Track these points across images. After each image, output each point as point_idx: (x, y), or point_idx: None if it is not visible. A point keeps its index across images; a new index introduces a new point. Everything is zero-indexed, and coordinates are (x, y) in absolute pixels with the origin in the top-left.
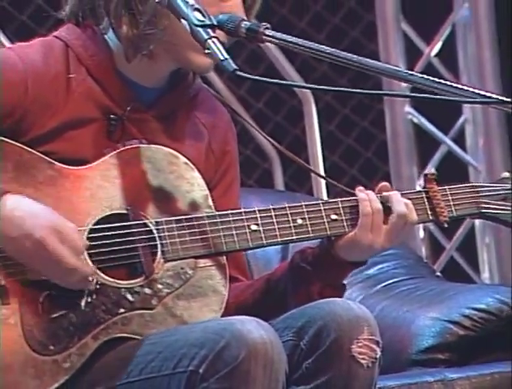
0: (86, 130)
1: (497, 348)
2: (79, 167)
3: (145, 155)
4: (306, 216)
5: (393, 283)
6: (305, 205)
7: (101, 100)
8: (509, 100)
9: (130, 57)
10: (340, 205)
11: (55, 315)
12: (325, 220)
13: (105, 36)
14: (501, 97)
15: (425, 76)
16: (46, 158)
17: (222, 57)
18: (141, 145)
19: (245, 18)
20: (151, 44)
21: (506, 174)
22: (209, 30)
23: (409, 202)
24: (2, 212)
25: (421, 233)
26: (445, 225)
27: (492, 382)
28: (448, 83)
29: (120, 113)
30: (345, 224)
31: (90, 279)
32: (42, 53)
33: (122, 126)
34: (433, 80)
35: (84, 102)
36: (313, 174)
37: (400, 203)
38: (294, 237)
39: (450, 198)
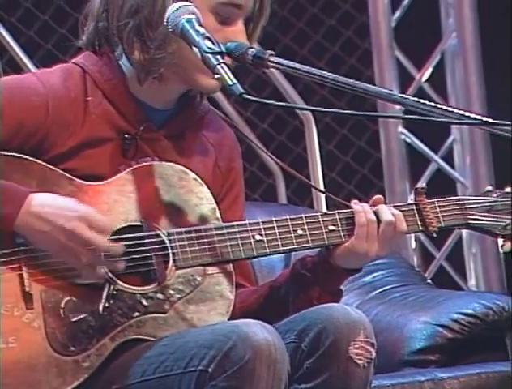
0: (102, 148)
1: (484, 350)
2: (97, 183)
3: (157, 171)
4: (306, 227)
5: (387, 289)
6: (305, 217)
7: (116, 121)
8: (493, 121)
9: (142, 80)
10: (337, 217)
11: (75, 319)
12: (323, 230)
13: (120, 62)
14: (486, 119)
15: (417, 99)
16: (67, 175)
17: (230, 82)
18: (154, 162)
19: (249, 43)
20: (161, 67)
21: (489, 188)
22: (218, 56)
23: (398, 212)
24: (31, 210)
25: (413, 244)
26: (434, 235)
27: (479, 381)
28: (438, 105)
29: (133, 132)
30: (342, 234)
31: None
32: (62, 77)
33: (136, 145)
34: (423, 103)
35: (101, 123)
36: (313, 189)
37: (387, 213)
38: (295, 247)
39: (438, 210)
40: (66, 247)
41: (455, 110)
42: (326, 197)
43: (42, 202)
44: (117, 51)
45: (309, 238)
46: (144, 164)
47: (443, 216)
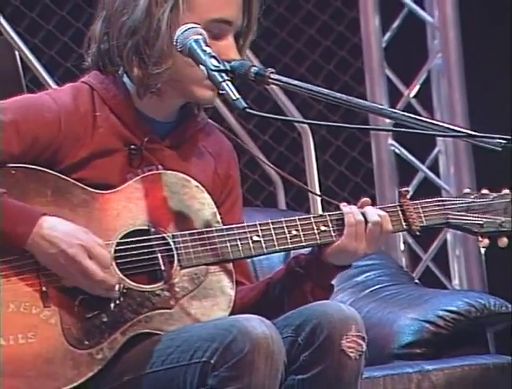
0: (110, 158)
1: (466, 344)
2: (107, 191)
3: (163, 179)
4: (300, 228)
5: (378, 288)
6: (299, 218)
7: (123, 133)
8: (475, 134)
9: (142, 95)
10: (328, 218)
11: (89, 315)
12: (315, 230)
13: (123, 80)
14: (468, 132)
15: (406, 113)
16: (79, 184)
17: (234, 97)
18: (159, 171)
19: (239, 56)
20: (158, 82)
21: (467, 190)
22: (223, 74)
23: (385, 214)
24: (41, 232)
25: (402, 246)
26: (418, 233)
27: (462, 372)
28: (424, 119)
29: (139, 143)
30: (332, 234)
31: (116, 288)
32: (72, 95)
33: (141, 155)
34: (411, 117)
35: (108, 135)
36: (310, 195)
37: (373, 214)
38: (290, 246)
39: (420, 210)
40: (66, 270)
41: (441, 124)
42: (321, 204)
43: (52, 225)
44: (120, 70)
45: (303, 238)
46: (150, 173)
47: (425, 216)
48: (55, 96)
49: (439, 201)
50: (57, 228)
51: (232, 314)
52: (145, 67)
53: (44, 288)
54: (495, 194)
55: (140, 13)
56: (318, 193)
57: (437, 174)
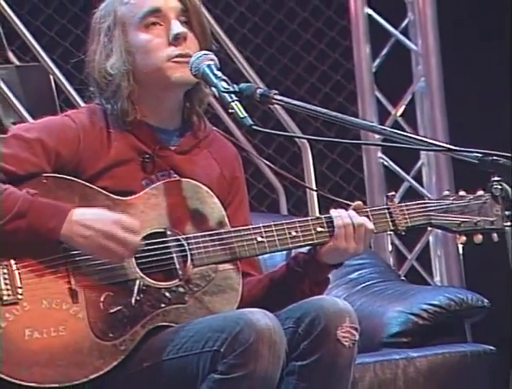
0: (127, 167)
1: (447, 334)
2: (127, 197)
3: (176, 187)
4: (299, 229)
5: (369, 284)
6: (298, 221)
7: (136, 144)
8: (455, 148)
9: (128, 114)
10: (324, 220)
11: (113, 310)
12: (313, 231)
13: None
14: (449, 146)
15: (393, 130)
16: (102, 191)
17: (242, 116)
18: (174, 179)
19: (182, 29)
20: (124, 102)
21: (446, 192)
22: (232, 95)
23: (365, 218)
24: (73, 220)
25: (389, 247)
26: (403, 233)
27: (443, 359)
28: (410, 135)
29: (151, 152)
30: (328, 234)
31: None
32: (89, 115)
33: (153, 162)
34: (398, 133)
35: (123, 148)
36: (308, 201)
37: (356, 217)
38: (290, 246)
39: (406, 212)
40: (105, 247)
41: (424, 139)
42: (319, 209)
43: (82, 213)
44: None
45: (302, 238)
46: (166, 180)
47: (410, 217)
48: (74, 117)
49: (422, 203)
50: (87, 214)
51: (240, 305)
52: (106, 95)
53: (73, 287)
54: (471, 196)
55: (94, 58)
56: (316, 202)
57: (421, 184)
